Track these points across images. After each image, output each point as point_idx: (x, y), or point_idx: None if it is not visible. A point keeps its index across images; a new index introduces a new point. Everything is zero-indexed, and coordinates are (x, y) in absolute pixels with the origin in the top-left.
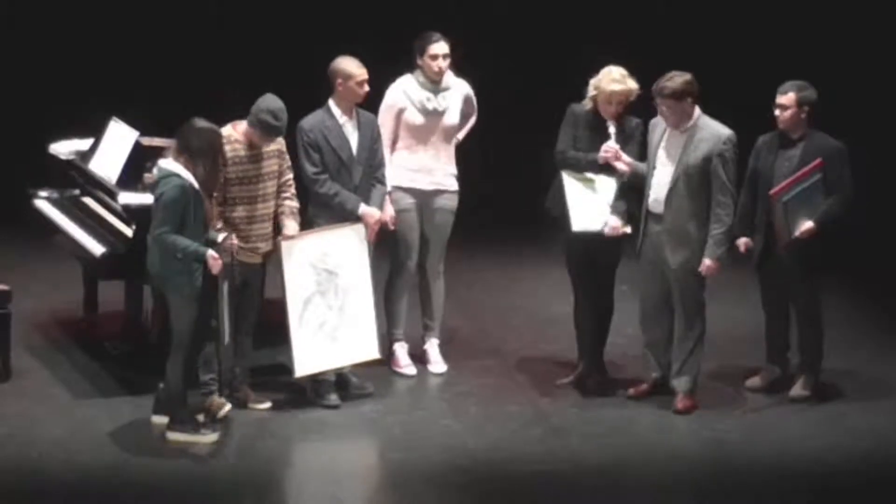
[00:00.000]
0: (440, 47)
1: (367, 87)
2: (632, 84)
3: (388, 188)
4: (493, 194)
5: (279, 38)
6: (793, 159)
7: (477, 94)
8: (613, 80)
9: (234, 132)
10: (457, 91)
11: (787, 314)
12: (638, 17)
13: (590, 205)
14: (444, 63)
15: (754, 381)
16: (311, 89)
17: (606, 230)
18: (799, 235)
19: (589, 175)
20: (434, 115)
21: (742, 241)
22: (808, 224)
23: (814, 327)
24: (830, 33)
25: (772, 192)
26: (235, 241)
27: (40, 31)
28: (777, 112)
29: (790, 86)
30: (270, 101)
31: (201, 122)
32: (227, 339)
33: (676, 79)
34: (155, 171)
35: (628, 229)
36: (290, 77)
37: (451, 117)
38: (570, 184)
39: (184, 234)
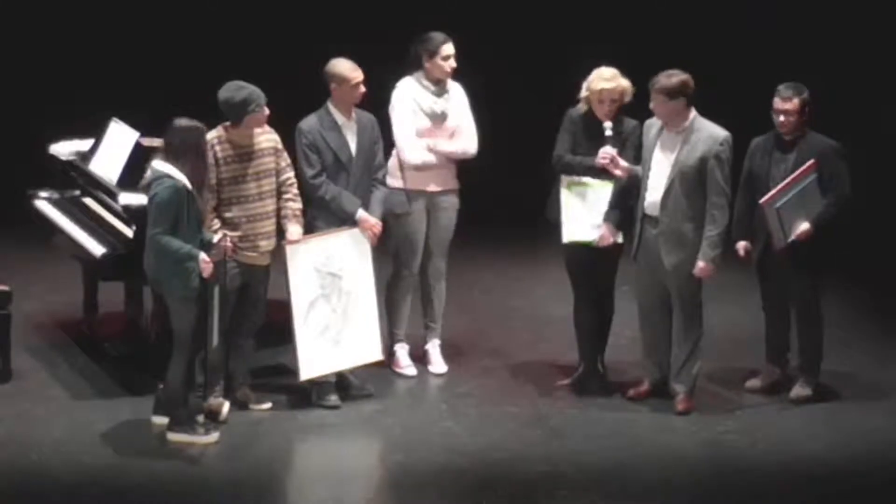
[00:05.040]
0: (450, 47)
1: (362, 89)
2: (622, 82)
3: (400, 190)
4: (493, 196)
5: (279, 38)
6: (788, 162)
7: (476, 94)
8: (603, 79)
9: (224, 133)
10: (456, 93)
11: (786, 315)
12: (637, 18)
13: (584, 216)
14: (454, 63)
15: (754, 383)
16: (310, 89)
17: (597, 241)
18: (796, 237)
19: (586, 180)
20: (439, 118)
21: (741, 245)
22: (804, 226)
23: (814, 328)
24: (825, 33)
25: (762, 200)
26: (230, 242)
27: (40, 31)
28: (781, 118)
29: (791, 90)
30: (222, 91)
31: (181, 121)
32: (215, 341)
33: (674, 77)
34: (148, 172)
35: (620, 239)
36: (290, 77)
37: (454, 119)
38: (566, 195)
39: (179, 235)
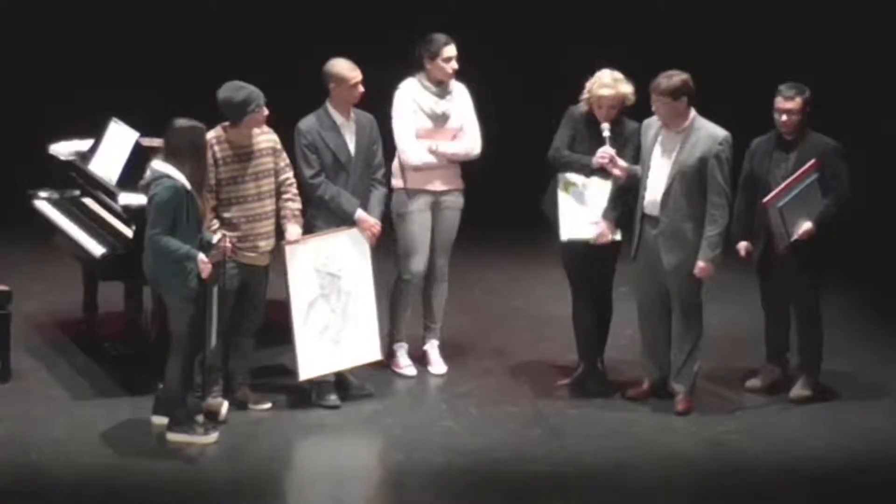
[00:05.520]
0: (452, 49)
1: (360, 89)
2: (623, 88)
3: (404, 189)
4: (494, 196)
5: (279, 38)
6: (790, 162)
7: (476, 94)
8: (603, 84)
9: (223, 133)
10: (460, 94)
11: (786, 315)
12: (637, 18)
13: (580, 213)
14: (455, 65)
15: (754, 382)
16: (310, 89)
17: (595, 238)
18: (799, 237)
19: (582, 179)
20: (442, 119)
21: (742, 246)
22: (806, 225)
23: (814, 327)
24: (825, 33)
25: (764, 200)
26: (229, 242)
27: (40, 31)
28: (784, 117)
29: (794, 90)
30: (221, 91)
31: (181, 122)
32: (213, 342)
33: (674, 77)
34: (148, 172)
35: (618, 236)
36: (290, 77)
37: (457, 120)
38: (563, 192)
39: (178, 235)
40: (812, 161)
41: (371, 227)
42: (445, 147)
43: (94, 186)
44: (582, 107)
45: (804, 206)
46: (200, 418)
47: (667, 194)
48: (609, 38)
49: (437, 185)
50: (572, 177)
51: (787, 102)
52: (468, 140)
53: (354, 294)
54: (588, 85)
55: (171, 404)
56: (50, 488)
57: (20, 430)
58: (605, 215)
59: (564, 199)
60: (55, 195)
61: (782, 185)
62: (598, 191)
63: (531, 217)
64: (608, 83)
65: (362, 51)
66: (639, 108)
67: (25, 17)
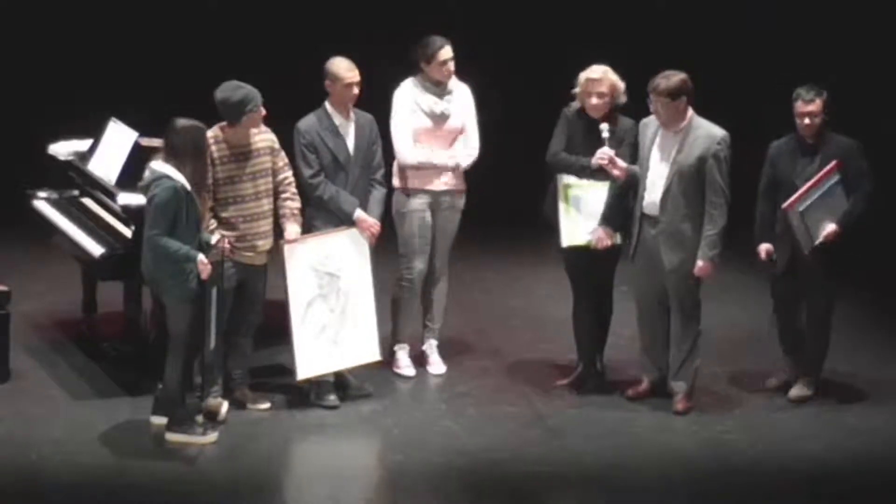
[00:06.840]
0: (448, 52)
1: (356, 90)
2: (612, 77)
3: (405, 189)
4: (493, 195)
5: (279, 38)
6: (815, 164)
7: (476, 94)
8: (591, 71)
9: (220, 133)
10: (459, 93)
11: (797, 312)
12: (637, 18)
13: (580, 220)
14: (452, 67)
15: (774, 381)
16: (310, 89)
17: (595, 243)
18: (823, 239)
19: (582, 182)
20: (441, 119)
21: (763, 248)
22: (831, 227)
23: (823, 329)
24: (825, 33)
25: (784, 205)
26: (227, 243)
27: (40, 31)
28: (806, 121)
29: (813, 91)
30: (219, 91)
31: (182, 122)
32: (212, 342)
33: (672, 77)
34: (147, 173)
35: (618, 240)
36: (290, 77)
37: (457, 119)
38: (563, 200)
39: (177, 235)
40: (833, 163)
41: (370, 227)
42: (438, 159)
43: (93, 186)
44: (575, 106)
45: (827, 208)
46: (200, 418)
47: (666, 194)
48: (609, 38)
49: (438, 185)
50: (571, 179)
51: (809, 105)
52: (463, 149)
53: (353, 294)
54: (577, 80)
55: (171, 404)
56: (50, 488)
57: (20, 430)
58: (604, 220)
59: (564, 206)
60: (54, 195)
61: (802, 190)
62: (597, 195)
63: (531, 217)
64: (597, 70)
65: (363, 51)
66: (637, 108)
67: (25, 17)
